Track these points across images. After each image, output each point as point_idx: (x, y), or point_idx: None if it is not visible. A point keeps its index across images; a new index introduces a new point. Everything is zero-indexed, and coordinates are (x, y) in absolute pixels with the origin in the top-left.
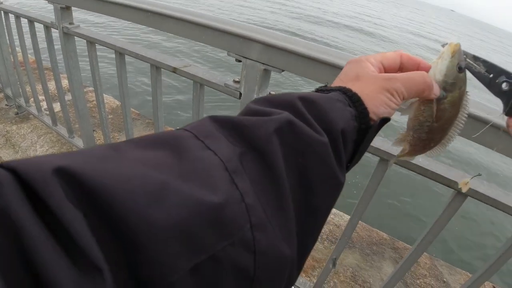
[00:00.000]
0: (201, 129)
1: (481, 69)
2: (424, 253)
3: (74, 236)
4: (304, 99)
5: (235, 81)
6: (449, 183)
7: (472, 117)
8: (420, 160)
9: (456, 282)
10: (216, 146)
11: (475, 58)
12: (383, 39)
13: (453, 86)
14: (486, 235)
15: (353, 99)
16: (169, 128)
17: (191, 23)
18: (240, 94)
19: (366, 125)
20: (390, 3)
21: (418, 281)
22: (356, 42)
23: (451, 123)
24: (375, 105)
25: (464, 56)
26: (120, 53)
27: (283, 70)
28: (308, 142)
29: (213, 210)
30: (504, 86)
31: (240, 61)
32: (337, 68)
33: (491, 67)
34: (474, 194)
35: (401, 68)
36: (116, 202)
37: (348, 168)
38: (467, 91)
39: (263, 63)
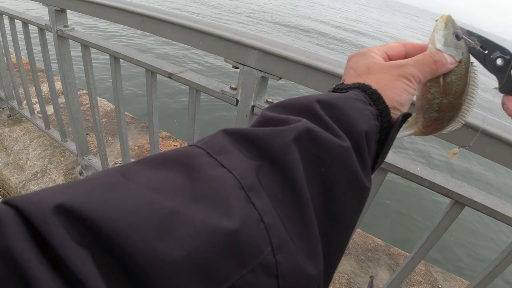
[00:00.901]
0: (213, 145)
1: (476, 44)
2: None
3: (80, 277)
4: (322, 101)
5: (232, 88)
6: (447, 193)
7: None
8: (418, 169)
9: None
10: (230, 162)
11: (469, 33)
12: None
13: (458, 53)
14: (483, 242)
15: (374, 97)
16: (164, 133)
17: (188, 28)
18: (237, 101)
19: (388, 123)
20: (385, 10)
21: None
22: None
23: (460, 97)
24: (397, 93)
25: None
26: (115, 57)
27: (280, 78)
28: (329, 149)
29: (229, 237)
30: (499, 61)
31: (237, 67)
32: (336, 77)
33: (485, 42)
34: (471, 203)
35: (407, 57)
36: (120, 238)
37: (373, 171)
38: (471, 62)
39: (260, 70)
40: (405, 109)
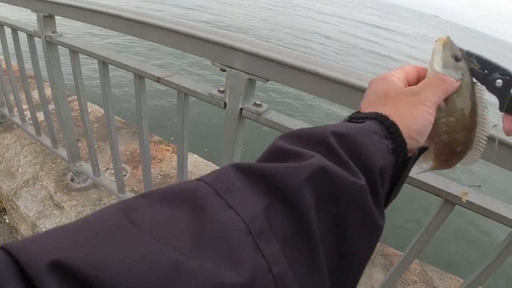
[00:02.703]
0: (222, 182)
1: (475, 65)
2: (416, 259)
3: None
4: (338, 134)
5: (219, 91)
6: (437, 192)
7: None
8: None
9: (446, 287)
10: (239, 203)
11: (469, 54)
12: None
13: (457, 73)
14: (476, 239)
15: (391, 130)
16: (156, 137)
17: (174, 32)
18: (225, 104)
19: (403, 158)
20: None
21: None
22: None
23: (469, 116)
24: (416, 122)
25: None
26: (103, 62)
27: (268, 80)
28: (343, 187)
29: None
30: (499, 82)
31: (224, 70)
32: (323, 78)
33: (484, 63)
34: (461, 202)
35: (419, 80)
36: None
37: (385, 206)
38: (475, 82)
39: (247, 73)
40: (423, 139)
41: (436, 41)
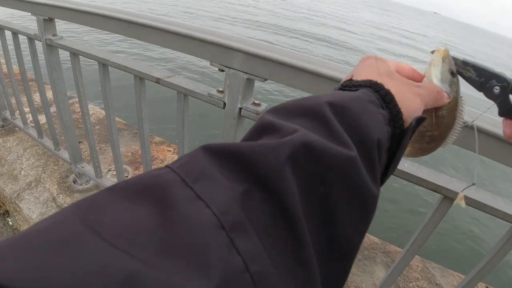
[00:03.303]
0: (191, 168)
1: (472, 74)
2: (416, 256)
3: None
4: (334, 104)
5: (218, 91)
6: (436, 188)
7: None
8: (406, 165)
9: (449, 284)
10: (209, 192)
11: (465, 63)
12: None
13: (451, 89)
14: (476, 235)
15: (386, 99)
16: (158, 138)
17: (172, 33)
18: (224, 103)
19: (400, 129)
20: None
21: (410, 285)
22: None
23: (449, 129)
24: (414, 108)
25: (454, 61)
26: (104, 64)
27: (266, 79)
28: (330, 162)
29: None
30: (496, 90)
31: (223, 70)
32: (321, 77)
33: (481, 71)
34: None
35: (411, 78)
36: None
37: (382, 182)
38: (461, 96)
39: (245, 72)
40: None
41: (433, 51)
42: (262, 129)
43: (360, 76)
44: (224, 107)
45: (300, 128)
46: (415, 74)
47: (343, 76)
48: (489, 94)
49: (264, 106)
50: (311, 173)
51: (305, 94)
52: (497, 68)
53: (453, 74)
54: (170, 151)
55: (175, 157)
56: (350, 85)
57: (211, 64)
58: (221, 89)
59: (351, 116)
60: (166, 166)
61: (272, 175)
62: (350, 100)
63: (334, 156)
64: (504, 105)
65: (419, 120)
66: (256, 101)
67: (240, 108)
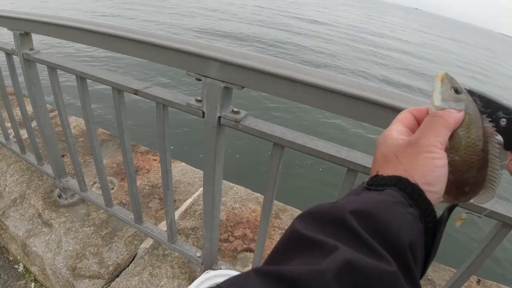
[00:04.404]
0: None
1: (478, 104)
2: None
3: None
4: (357, 213)
5: (197, 100)
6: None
7: None
8: None
9: (441, 278)
10: None
11: (471, 93)
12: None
13: (458, 105)
14: (464, 232)
15: (413, 196)
16: (143, 148)
17: (148, 44)
18: (203, 113)
19: (432, 223)
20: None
21: None
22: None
23: (476, 155)
24: (423, 175)
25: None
26: (81, 78)
27: (243, 87)
28: (374, 278)
29: None
30: (503, 122)
31: (200, 80)
32: (296, 82)
33: (487, 102)
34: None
35: (419, 119)
36: None
37: (421, 277)
38: (484, 115)
39: (222, 81)
40: (438, 188)
41: (435, 79)
42: (299, 242)
43: (381, 167)
44: (203, 116)
45: (340, 245)
46: (415, 114)
47: (319, 81)
48: (495, 126)
49: (243, 114)
50: None
51: (284, 101)
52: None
53: (456, 91)
54: (156, 160)
55: None
56: (376, 184)
57: (187, 74)
58: (199, 98)
59: (378, 222)
60: (218, 285)
61: None
62: (375, 205)
63: (377, 271)
64: (510, 138)
65: (451, 209)
66: (235, 109)
67: (219, 117)
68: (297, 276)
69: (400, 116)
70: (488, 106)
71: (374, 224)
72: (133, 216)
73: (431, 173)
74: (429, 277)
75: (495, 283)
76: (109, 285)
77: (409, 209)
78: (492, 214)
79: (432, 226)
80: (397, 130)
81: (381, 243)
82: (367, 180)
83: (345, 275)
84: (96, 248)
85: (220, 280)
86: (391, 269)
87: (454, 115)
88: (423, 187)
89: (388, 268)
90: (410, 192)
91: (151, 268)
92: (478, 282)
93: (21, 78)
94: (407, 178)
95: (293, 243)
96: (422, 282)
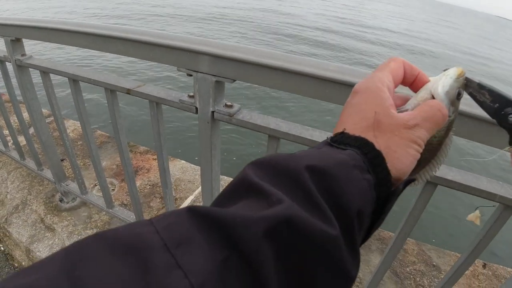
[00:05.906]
0: (174, 230)
1: (487, 99)
2: (411, 239)
3: None
4: (313, 169)
5: (189, 96)
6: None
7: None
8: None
9: (446, 264)
10: (189, 260)
11: (481, 87)
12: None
13: (449, 109)
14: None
15: (375, 162)
16: (142, 148)
17: (137, 42)
18: (196, 108)
19: (385, 193)
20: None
21: (407, 269)
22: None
23: (435, 149)
24: (405, 164)
25: (465, 81)
26: (74, 80)
27: (234, 80)
28: (312, 240)
29: None
30: (511, 118)
31: (191, 75)
32: (288, 73)
33: (497, 96)
34: (443, 182)
35: (405, 80)
36: None
37: (364, 242)
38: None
39: (213, 75)
40: (406, 176)
41: (447, 69)
42: (246, 187)
43: (354, 126)
44: (196, 112)
45: (285, 199)
46: (408, 70)
47: (310, 70)
48: (503, 122)
49: (237, 107)
50: (291, 248)
51: (276, 92)
52: None
53: (459, 95)
54: (155, 159)
55: None
56: (339, 141)
57: (178, 70)
58: (191, 94)
59: (332, 183)
60: (150, 222)
61: (250, 247)
62: (334, 165)
63: (317, 233)
64: None
65: (407, 183)
66: (228, 103)
67: (213, 112)
68: (232, 221)
69: (392, 65)
70: (496, 101)
71: (326, 184)
72: (134, 216)
73: (411, 164)
74: (434, 263)
75: (501, 266)
76: None
77: (366, 175)
78: (490, 196)
79: (385, 196)
80: (388, 86)
81: (330, 204)
82: (332, 135)
83: (282, 230)
84: None
85: None
86: (334, 233)
87: (445, 120)
88: (400, 175)
89: (331, 232)
90: (372, 158)
91: None
92: (484, 266)
93: (16, 84)
94: (373, 143)
95: (241, 189)
96: (427, 268)
